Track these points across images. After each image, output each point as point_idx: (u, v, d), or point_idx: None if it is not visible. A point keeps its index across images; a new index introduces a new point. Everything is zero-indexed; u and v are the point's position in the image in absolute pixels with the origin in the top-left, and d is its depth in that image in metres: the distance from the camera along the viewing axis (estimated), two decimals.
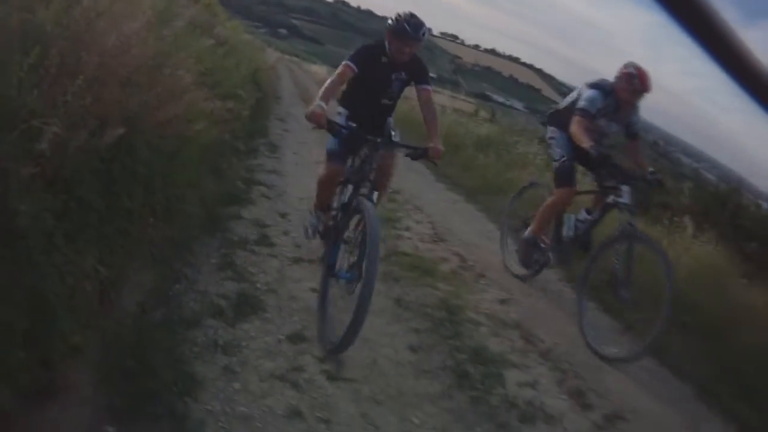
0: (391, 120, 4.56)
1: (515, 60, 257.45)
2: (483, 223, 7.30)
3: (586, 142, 4.68)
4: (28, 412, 2.04)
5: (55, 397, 2.19)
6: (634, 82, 4.82)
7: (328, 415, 2.74)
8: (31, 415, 2.07)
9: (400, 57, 4.13)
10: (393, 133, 4.35)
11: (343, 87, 4.35)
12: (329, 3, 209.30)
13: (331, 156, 4.28)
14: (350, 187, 4.12)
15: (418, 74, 4.33)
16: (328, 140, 4.24)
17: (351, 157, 4.29)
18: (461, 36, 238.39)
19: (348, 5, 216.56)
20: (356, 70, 4.04)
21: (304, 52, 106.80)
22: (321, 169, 4.40)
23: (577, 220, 5.24)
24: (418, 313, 4.09)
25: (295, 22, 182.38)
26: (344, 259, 3.76)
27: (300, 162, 8.43)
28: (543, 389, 3.60)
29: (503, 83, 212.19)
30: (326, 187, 4.41)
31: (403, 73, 4.28)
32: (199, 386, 2.68)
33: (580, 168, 5.31)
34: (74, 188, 2.44)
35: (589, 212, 5.26)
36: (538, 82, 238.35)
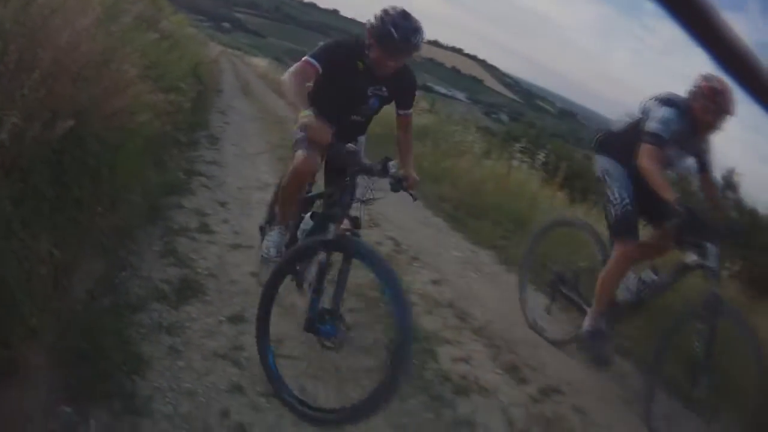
0: (363, 140, 3.76)
1: (458, 51, 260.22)
2: (420, 211, 7.45)
3: (668, 193, 3.57)
4: None
5: (14, 378, 2.27)
6: (719, 99, 3.68)
7: (268, 389, 2.88)
8: None
9: (382, 69, 3.25)
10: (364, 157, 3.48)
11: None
12: None
13: (302, 144, 3.33)
14: (316, 217, 3.51)
15: (403, 93, 3.53)
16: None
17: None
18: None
19: None
20: (320, 70, 3.16)
21: (246, 46, 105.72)
22: (292, 164, 3.41)
23: (641, 280, 4.01)
24: (352, 293, 3.91)
25: (239, 15, 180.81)
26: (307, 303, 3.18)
27: (239, 153, 8.57)
28: (477, 364, 3.74)
29: (445, 74, 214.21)
30: (297, 184, 3.45)
31: (384, 89, 3.41)
32: (147, 365, 2.79)
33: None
34: (29, 177, 2.55)
35: (656, 271, 4.06)
36: (481, 73, 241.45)
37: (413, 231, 6.44)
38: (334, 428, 2.79)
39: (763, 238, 10.73)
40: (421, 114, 14.47)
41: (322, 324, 2.91)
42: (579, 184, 10.86)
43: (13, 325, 2.26)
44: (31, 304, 2.35)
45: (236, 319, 3.50)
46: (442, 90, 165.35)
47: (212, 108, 11.84)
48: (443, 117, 17.40)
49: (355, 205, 3.03)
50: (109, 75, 3.76)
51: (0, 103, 2.38)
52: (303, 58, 3.20)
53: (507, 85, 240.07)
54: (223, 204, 5.69)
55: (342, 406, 2.75)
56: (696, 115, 3.76)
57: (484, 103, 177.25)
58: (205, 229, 4.86)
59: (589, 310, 4.05)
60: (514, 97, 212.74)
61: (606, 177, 4.05)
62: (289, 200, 3.55)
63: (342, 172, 3.13)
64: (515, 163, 11.09)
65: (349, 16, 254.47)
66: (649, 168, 3.66)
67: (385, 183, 3.15)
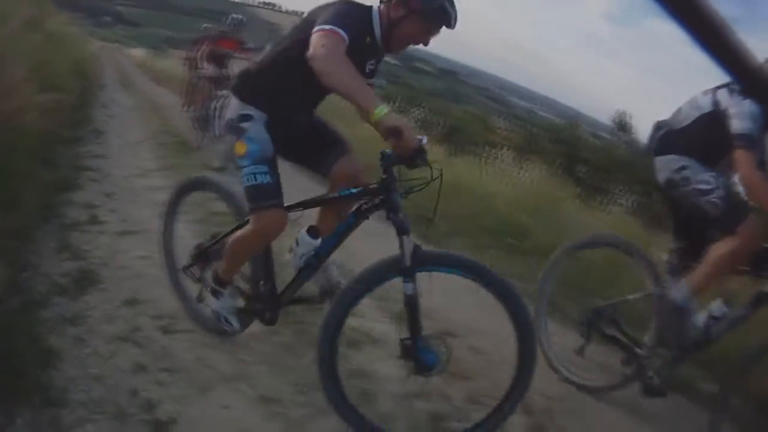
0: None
1: None
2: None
3: None
4: None
5: None
6: None
7: (169, 364, 3.01)
8: None
9: (400, 45, 2.79)
10: None
11: (257, 67, 2.94)
12: None
13: (267, 193, 2.79)
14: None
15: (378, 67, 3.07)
16: (248, 150, 2.82)
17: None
18: (279, 2, 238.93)
19: None
20: (347, 41, 2.47)
21: (124, 38, 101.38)
22: (257, 222, 2.82)
23: (711, 316, 3.24)
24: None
25: (119, 8, 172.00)
26: None
27: (122, 144, 8.97)
28: (367, 317, 3.79)
29: None
30: (259, 246, 3.00)
31: (373, 63, 2.96)
32: (57, 357, 2.86)
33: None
34: None
35: (728, 304, 3.26)
36: None
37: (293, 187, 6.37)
38: None
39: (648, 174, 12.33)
40: None
41: (422, 352, 2.60)
42: (459, 139, 11.22)
43: None
44: None
45: (131, 302, 3.61)
46: None
47: (96, 103, 11.96)
48: None
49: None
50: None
51: None
52: (325, 28, 2.46)
53: None
54: (109, 195, 5.86)
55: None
56: None
57: None
58: (94, 220, 5.00)
59: (683, 280, 3.23)
60: (394, 61, 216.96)
61: (685, 172, 3.26)
62: (243, 260, 3.13)
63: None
64: None
65: None
66: (753, 180, 3.02)
67: None
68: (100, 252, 4.32)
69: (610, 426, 3.34)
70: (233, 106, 2.92)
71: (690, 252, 3.29)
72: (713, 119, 3.18)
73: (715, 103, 3.20)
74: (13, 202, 3.96)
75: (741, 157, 3.03)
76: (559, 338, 3.83)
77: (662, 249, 3.80)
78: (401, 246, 2.53)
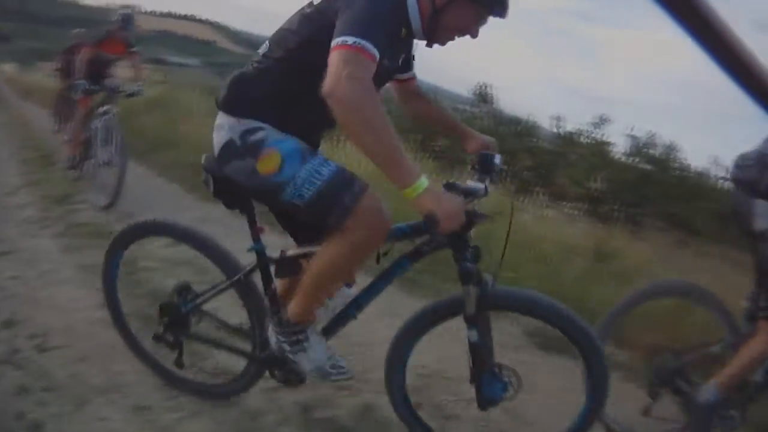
0: None
1: (191, 18, 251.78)
2: (152, 179, 7.87)
3: None
4: None
5: None
6: None
7: (47, 383, 2.93)
8: None
9: (445, 37, 2.19)
10: None
11: (254, 73, 2.23)
12: None
13: (349, 181, 2.11)
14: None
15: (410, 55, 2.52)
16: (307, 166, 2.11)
17: None
18: (139, 3, 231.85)
19: None
20: (377, 58, 1.85)
21: None
22: (359, 226, 2.07)
23: None
24: (99, 273, 3.66)
25: None
26: None
27: None
28: (225, 308, 3.77)
29: (179, 43, 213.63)
30: (366, 254, 2.21)
31: (403, 55, 2.41)
32: None
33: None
34: None
35: None
36: (212, 35, 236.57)
37: (152, 209, 5.94)
38: None
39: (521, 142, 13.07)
40: (153, 86, 14.30)
41: (487, 390, 2.35)
42: None
43: None
44: None
45: (8, 323, 3.52)
46: (176, 59, 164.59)
47: None
48: (175, 85, 17.05)
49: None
50: None
51: None
52: (349, 42, 1.81)
53: (239, 42, 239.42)
54: None
55: None
56: None
57: (217, 64, 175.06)
58: None
59: (712, 380, 2.87)
60: (246, 52, 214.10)
61: None
62: (336, 285, 2.48)
63: None
64: None
65: (91, 3, 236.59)
66: None
67: None
68: None
69: None
70: (227, 128, 2.20)
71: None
72: None
73: None
74: None
75: None
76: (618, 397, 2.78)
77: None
78: (466, 295, 2.18)
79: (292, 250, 2.46)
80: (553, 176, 14.13)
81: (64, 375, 3.07)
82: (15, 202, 6.46)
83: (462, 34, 2.19)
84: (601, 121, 14.30)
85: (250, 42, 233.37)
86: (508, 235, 2.22)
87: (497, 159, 2.38)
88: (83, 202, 6.44)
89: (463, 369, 2.43)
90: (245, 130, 2.16)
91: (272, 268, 2.48)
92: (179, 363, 2.80)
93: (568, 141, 15.71)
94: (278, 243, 2.73)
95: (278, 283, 2.51)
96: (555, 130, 16.12)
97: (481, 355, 2.29)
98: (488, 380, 2.32)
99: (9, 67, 41.58)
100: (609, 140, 14.74)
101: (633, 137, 14.19)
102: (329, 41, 1.85)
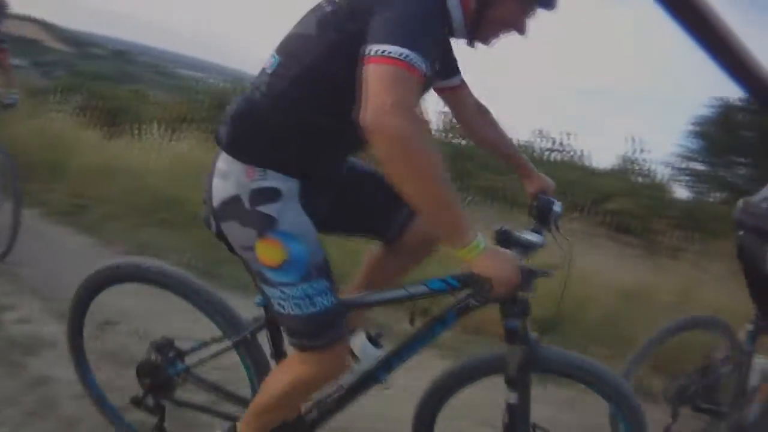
0: None
1: (25, 18, 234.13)
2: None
3: None
4: None
5: None
6: None
7: None
8: None
9: (491, 33, 1.81)
10: None
11: (263, 100, 1.77)
12: None
13: (331, 323, 1.83)
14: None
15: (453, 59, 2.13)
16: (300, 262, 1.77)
17: None
18: None
19: None
20: (425, 74, 1.50)
21: None
22: (315, 364, 1.87)
23: None
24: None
25: None
26: None
27: None
28: (37, 321, 3.64)
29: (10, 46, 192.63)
30: (316, 389, 2.02)
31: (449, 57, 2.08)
32: None
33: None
34: None
35: None
36: (38, 34, 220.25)
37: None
38: None
39: None
40: None
41: None
42: (123, 119, 10.67)
43: None
44: None
45: None
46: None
47: None
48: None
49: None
50: None
51: None
52: (391, 53, 1.44)
53: (64, 40, 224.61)
54: None
55: None
56: None
57: (42, 64, 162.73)
58: None
59: (755, 402, 3.10)
60: (70, 50, 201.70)
61: None
62: (288, 412, 2.08)
63: None
64: (55, 115, 9.79)
65: None
66: None
67: None
68: None
69: None
70: (234, 179, 1.77)
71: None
72: None
73: None
74: None
75: None
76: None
77: None
78: (510, 355, 1.89)
79: None
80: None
81: None
82: None
83: (509, 29, 1.80)
84: None
85: (77, 40, 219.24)
86: (563, 289, 1.94)
87: (557, 206, 2.08)
88: None
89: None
90: (258, 191, 1.74)
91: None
92: (161, 429, 2.35)
93: None
94: None
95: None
96: None
97: (518, 416, 1.97)
98: None
99: None
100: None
101: (446, 113, 14.57)
102: (358, 50, 1.51)
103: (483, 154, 13.66)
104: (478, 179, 13.47)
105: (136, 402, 2.33)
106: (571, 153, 16.19)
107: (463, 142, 14.31)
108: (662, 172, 16.88)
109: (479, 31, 1.79)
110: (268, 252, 1.75)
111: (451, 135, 14.49)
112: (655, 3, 0.55)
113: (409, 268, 2.21)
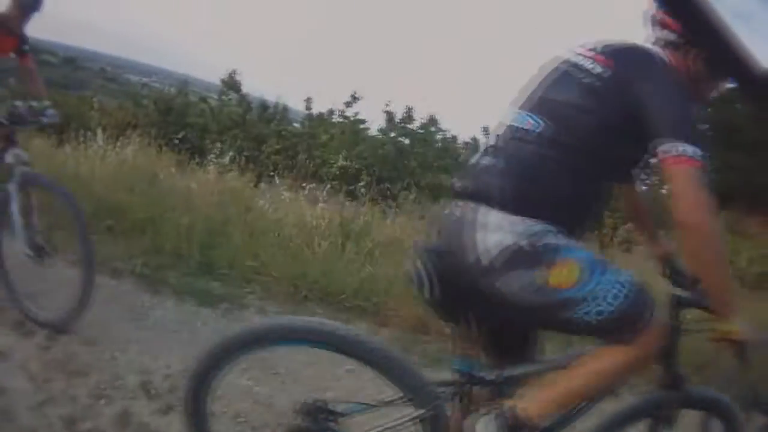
0: None
1: None
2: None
3: None
4: None
5: None
6: None
7: None
8: None
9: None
10: None
11: (533, 161, 1.81)
12: None
13: (648, 300, 1.79)
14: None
15: None
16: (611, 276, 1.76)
17: None
18: None
19: None
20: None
21: None
22: (636, 345, 1.79)
23: None
24: None
25: None
26: None
27: None
28: None
29: None
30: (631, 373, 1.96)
31: None
32: None
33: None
34: None
35: None
36: None
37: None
38: None
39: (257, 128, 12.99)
40: None
41: None
42: (73, 127, 10.57)
43: None
44: None
45: None
46: None
47: None
48: None
49: None
50: None
51: None
52: (689, 153, 1.62)
53: None
54: None
55: None
56: None
57: None
58: None
59: None
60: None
61: None
62: (597, 391, 1.95)
63: None
64: None
65: None
66: None
67: None
68: None
69: None
70: (508, 228, 1.77)
71: None
72: None
73: None
74: None
75: None
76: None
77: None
78: (667, 398, 2.01)
79: (517, 369, 1.99)
80: (300, 159, 14.05)
81: None
82: None
83: (698, 104, 1.87)
84: (353, 99, 14.45)
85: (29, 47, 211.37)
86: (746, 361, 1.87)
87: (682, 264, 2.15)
88: None
89: None
90: (532, 233, 1.76)
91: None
92: None
93: (318, 122, 15.78)
94: None
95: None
96: (307, 111, 16.20)
97: None
98: None
99: None
100: (363, 117, 14.95)
101: (389, 113, 14.58)
102: (626, 127, 1.70)
103: (426, 154, 14.12)
104: (423, 178, 13.68)
105: None
106: None
107: (407, 141, 14.47)
108: None
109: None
110: (564, 273, 1.74)
111: (393, 134, 14.55)
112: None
113: None
